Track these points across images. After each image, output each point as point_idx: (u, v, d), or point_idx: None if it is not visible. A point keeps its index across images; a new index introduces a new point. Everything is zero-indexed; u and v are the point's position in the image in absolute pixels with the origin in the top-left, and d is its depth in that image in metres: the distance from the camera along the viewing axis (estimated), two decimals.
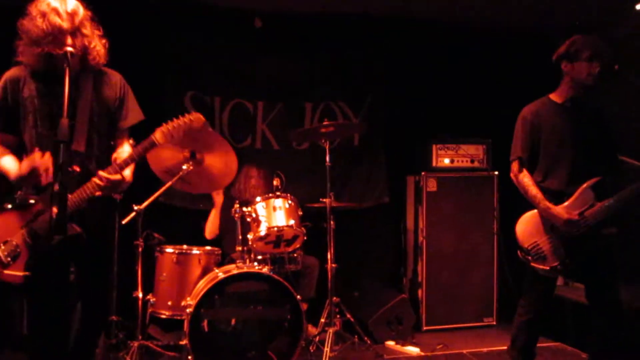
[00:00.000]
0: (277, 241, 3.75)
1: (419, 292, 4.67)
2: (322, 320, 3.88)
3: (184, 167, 3.49)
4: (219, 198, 4.16)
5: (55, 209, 2.03)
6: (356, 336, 3.95)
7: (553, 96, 3.05)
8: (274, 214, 3.70)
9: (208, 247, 3.85)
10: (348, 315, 4.01)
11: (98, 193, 2.40)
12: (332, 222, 3.90)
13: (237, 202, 3.86)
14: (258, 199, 3.77)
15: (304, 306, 3.50)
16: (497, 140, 4.59)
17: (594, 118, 3.00)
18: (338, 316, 3.96)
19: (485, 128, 4.84)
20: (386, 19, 4.95)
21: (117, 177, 2.42)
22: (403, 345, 4.14)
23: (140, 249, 3.58)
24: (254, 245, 3.67)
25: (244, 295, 3.39)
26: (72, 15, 2.34)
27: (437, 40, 5.06)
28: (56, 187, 2.04)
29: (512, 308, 3.20)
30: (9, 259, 2.38)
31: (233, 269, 3.47)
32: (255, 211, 3.71)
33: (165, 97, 4.58)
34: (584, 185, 2.87)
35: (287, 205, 3.75)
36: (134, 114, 2.63)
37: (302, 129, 4.71)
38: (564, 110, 2.99)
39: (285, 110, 4.95)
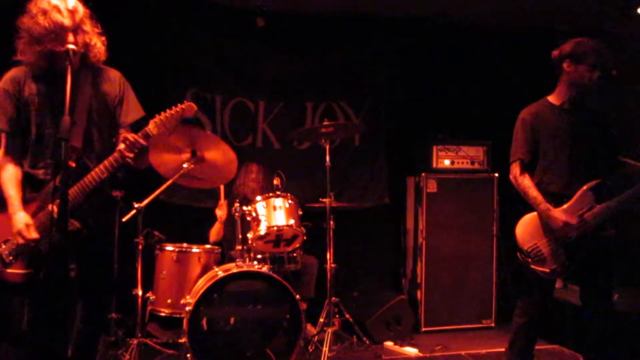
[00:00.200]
0: (277, 240, 3.75)
1: (418, 292, 4.67)
2: (321, 320, 3.88)
3: (185, 165, 3.50)
4: (222, 213, 4.15)
5: (55, 207, 2.03)
6: (355, 336, 3.95)
7: (551, 98, 3.03)
8: (274, 213, 3.70)
9: (208, 246, 3.84)
10: (347, 315, 4.01)
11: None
12: (332, 222, 3.91)
13: (238, 200, 3.86)
14: (258, 198, 3.77)
15: (303, 306, 3.50)
16: (497, 141, 4.59)
17: (593, 119, 2.99)
18: (337, 316, 3.97)
19: (485, 129, 4.85)
20: (388, 20, 4.95)
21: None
22: (402, 345, 4.14)
23: (140, 247, 3.60)
24: (254, 245, 3.67)
25: (243, 294, 3.39)
26: (72, 12, 2.35)
27: (437, 41, 5.07)
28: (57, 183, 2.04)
29: (511, 310, 3.19)
30: (10, 257, 2.38)
31: (233, 267, 3.47)
32: (255, 210, 3.71)
33: (166, 95, 4.56)
34: (584, 188, 2.85)
35: (287, 205, 3.75)
36: (134, 110, 2.62)
37: (303, 128, 4.71)
38: (563, 112, 2.98)
39: (286, 110, 4.96)
